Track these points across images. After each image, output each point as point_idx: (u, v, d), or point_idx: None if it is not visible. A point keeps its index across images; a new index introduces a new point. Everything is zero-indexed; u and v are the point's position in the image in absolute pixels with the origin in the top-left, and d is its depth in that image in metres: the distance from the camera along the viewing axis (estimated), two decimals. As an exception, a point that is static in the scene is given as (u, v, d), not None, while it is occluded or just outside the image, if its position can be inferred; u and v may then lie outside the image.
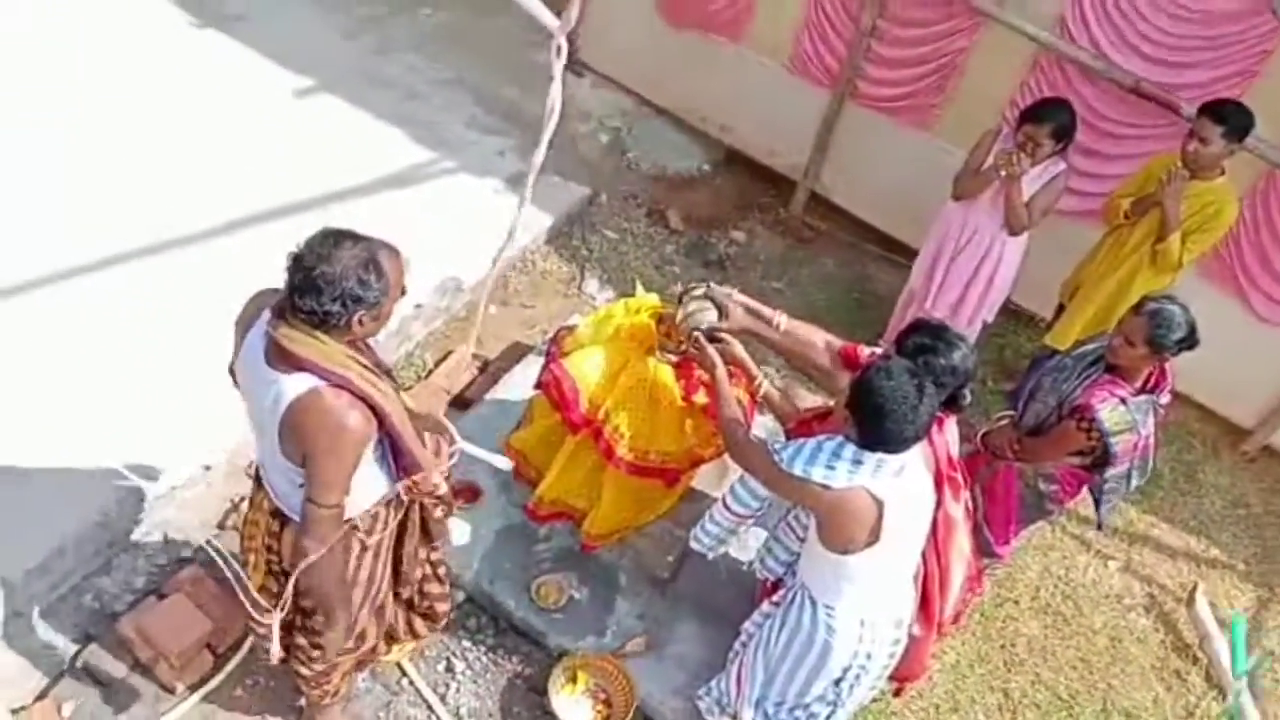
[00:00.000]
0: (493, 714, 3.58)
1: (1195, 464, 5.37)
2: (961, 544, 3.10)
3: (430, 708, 3.54)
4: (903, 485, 2.74)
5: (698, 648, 3.79)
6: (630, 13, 6.09)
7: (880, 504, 2.68)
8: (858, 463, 2.69)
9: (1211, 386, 5.33)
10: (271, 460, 2.53)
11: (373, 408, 2.39)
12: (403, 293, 2.44)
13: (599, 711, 3.57)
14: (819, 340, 3.34)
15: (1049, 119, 4.26)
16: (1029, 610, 4.48)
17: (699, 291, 3.42)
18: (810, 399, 4.30)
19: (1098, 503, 3.79)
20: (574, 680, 3.60)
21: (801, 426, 3.25)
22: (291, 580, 2.64)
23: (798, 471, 2.72)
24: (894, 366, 2.66)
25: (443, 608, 3.30)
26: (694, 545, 3.47)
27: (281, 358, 2.32)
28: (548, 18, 1.28)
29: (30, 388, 3.83)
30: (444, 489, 2.80)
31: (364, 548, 2.72)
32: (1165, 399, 3.54)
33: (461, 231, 5.10)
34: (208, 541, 3.12)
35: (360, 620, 2.90)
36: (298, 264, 2.27)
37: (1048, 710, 4.16)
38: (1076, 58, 4.79)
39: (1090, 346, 3.65)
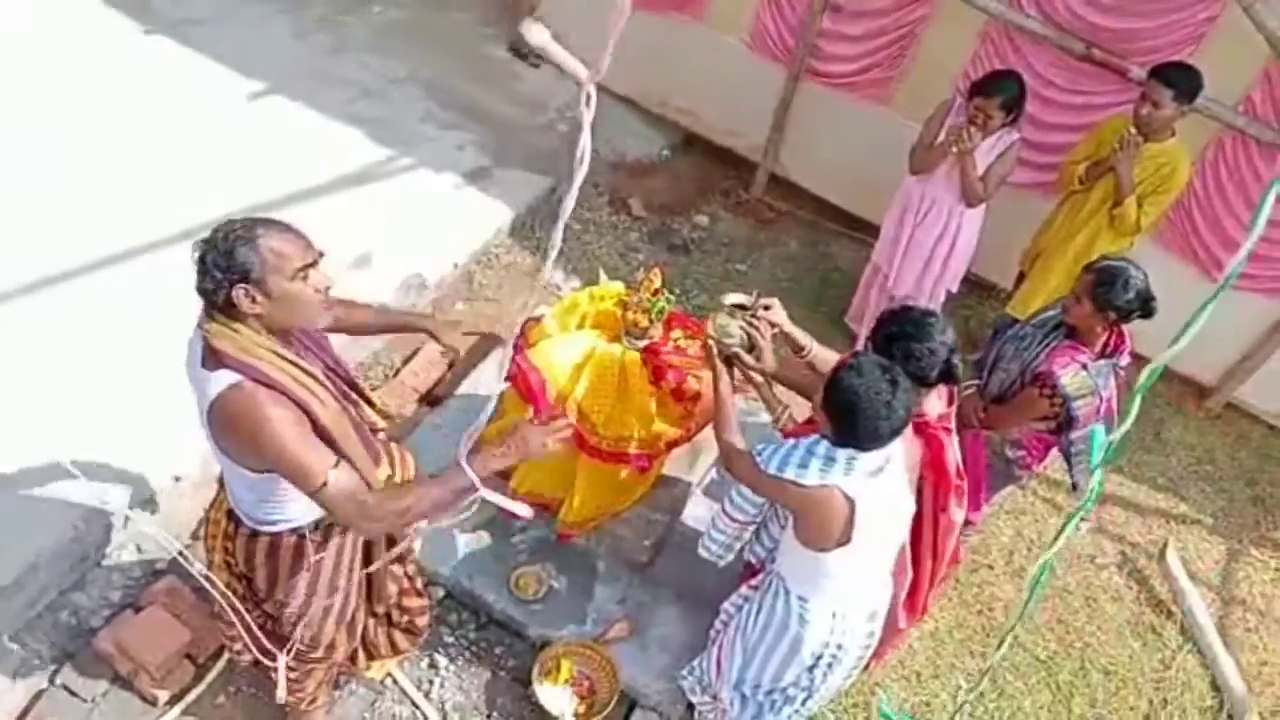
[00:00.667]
0: (478, 707, 3.59)
1: (1160, 423, 5.46)
2: (954, 545, 3.20)
3: (415, 705, 3.54)
4: (878, 485, 2.74)
5: (679, 630, 3.81)
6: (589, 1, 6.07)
7: (852, 503, 2.69)
8: (830, 460, 2.70)
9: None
10: (219, 459, 2.49)
11: (299, 404, 2.32)
12: (305, 269, 2.29)
13: (584, 699, 3.59)
14: None
15: (998, 91, 4.31)
16: (1003, 574, 4.54)
17: (733, 301, 3.28)
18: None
19: (1070, 465, 3.85)
20: (557, 669, 3.62)
21: (805, 426, 3.24)
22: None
23: (772, 470, 2.75)
24: (865, 363, 2.66)
25: (422, 621, 3.28)
26: (703, 554, 3.43)
27: (210, 355, 2.29)
28: (577, 67, 1.28)
29: (-5, 405, 3.80)
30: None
31: (318, 561, 2.69)
32: (1125, 361, 3.60)
33: (423, 228, 5.09)
34: (180, 553, 3.09)
35: (326, 631, 2.86)
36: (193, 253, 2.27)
37: (1026, 671, 4.22)
38: (1026, 26, 4.83)
39: (1050, 314, 3.70)
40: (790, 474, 2.72)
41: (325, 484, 2.32)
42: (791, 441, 2.80)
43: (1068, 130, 4.92)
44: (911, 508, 2.96)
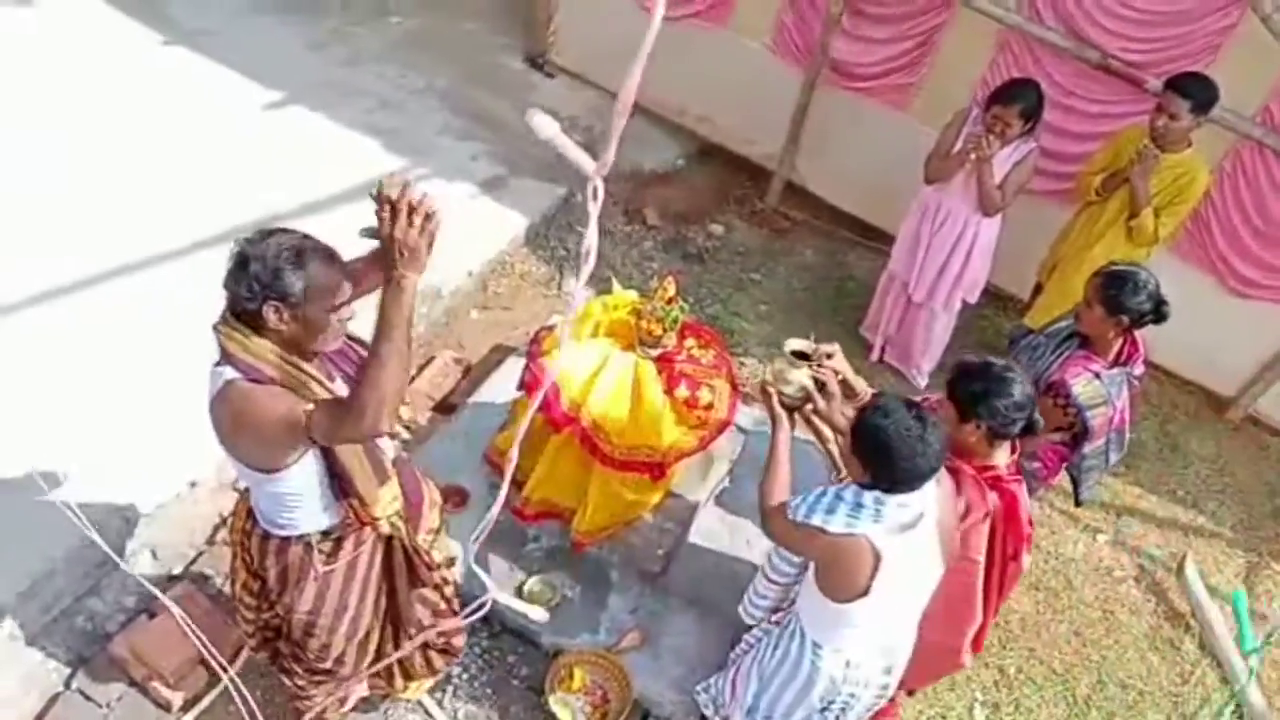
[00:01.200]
0: (491, 716, 3.58)
1: (1179, 435, 5.41)
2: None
3: (428, 712, 3.53)
4: (908, 541, 2.66)
5: (692, 640, 3.80)
6: (605, 8, 6.09)
7: (878, 557, 2.62)
8: (858, 506, 2.64)
9: (1192, 359, 5.40)
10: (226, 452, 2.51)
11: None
12: (339, 307, 2.32)
13: (597, 708, 3.57)
14: None
15: (1017, 99, 4.29)
16: (1021, 587, 4.49)
17: (793, 348, 3.16)
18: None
19: (1076, 481, 3.83)
20: (570, 678, 3.61)
21: None
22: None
23: (800, 517, 2.70)
24: (890, 403, 2.61)
25: (459, 641, 3.27)
26: (745, 619, 3.39)
27: (222, 355, 2.33)
28: (584, 160, 1.29)
29: (12, 409, 3.82)
30: (385, 526, 2.70)
31: (327, 574, 2.71)
32: (1138, 370, 3.57)
33: (438, 237, 5.09)
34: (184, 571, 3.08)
35: (335, 645, 2.86)
36: (232, 249, 2.28)
37: (1043, 685, 4.19)
38: (1044, 37, 4.82)
39: (1063, 324, 3.67)
40: (817, 520, 2.66)
41: (309, 415, 2.29)
42: (821, 488, 2.76)
43: (1086, 139, 4.89)
44: (939, 570, 2.84)
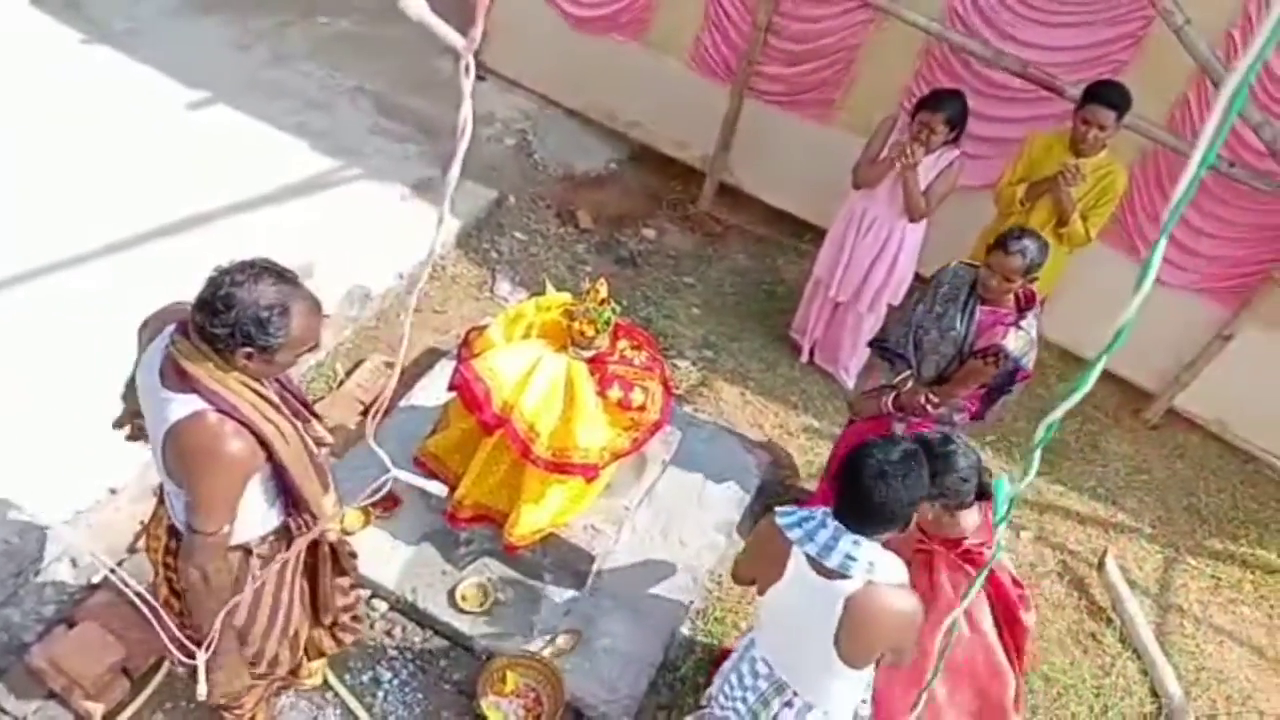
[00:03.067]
0: (422, 720, 3.55)
1: (1098, 434, 5.56)
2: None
3: (358, 718, 3.49)
4: (813, 584, 2.61)
5: (624, 641, 3.80)
6: (533, 16, 6.09)
7: (787, 545, 2.65)
8: (814, 522, 2.62)
9: (1117, 353, 5.51)
10: (162, 475, 2.47)
11: (261, 439, 2.33)
12: (313, 347, 2.38)
13: (530, 710, 3.56)
14: None
15: (944, 106, 4.38)
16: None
17: None
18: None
19: (990, 404, 3.94)
20: (503, 681, 3.59)
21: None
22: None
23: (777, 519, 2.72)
24: (891, 438, 2.68)
25: (360, 610, 3.28)
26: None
27: (175, 375, 2.27)
28: (453, 36, 1.27)
29: (-78, 418, 3.70)
30: (333, 536, 2.75)
31: (263, 576, 2.67)
32: (1038, 310, 3.77)
33: (368, 239, 5.05)
34: (112, 570, 3.02)
35: (269, 648, 2.83)
36: (213, 279, 2.23)
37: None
38: (965, 46, 4.92)
39: (943, 288, 3.77)
40: (781, 521, 2.70)
41: (216, 532, 2.38)
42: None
43: (1019, 123, 5.01)
44: (824, 633, 2.62)
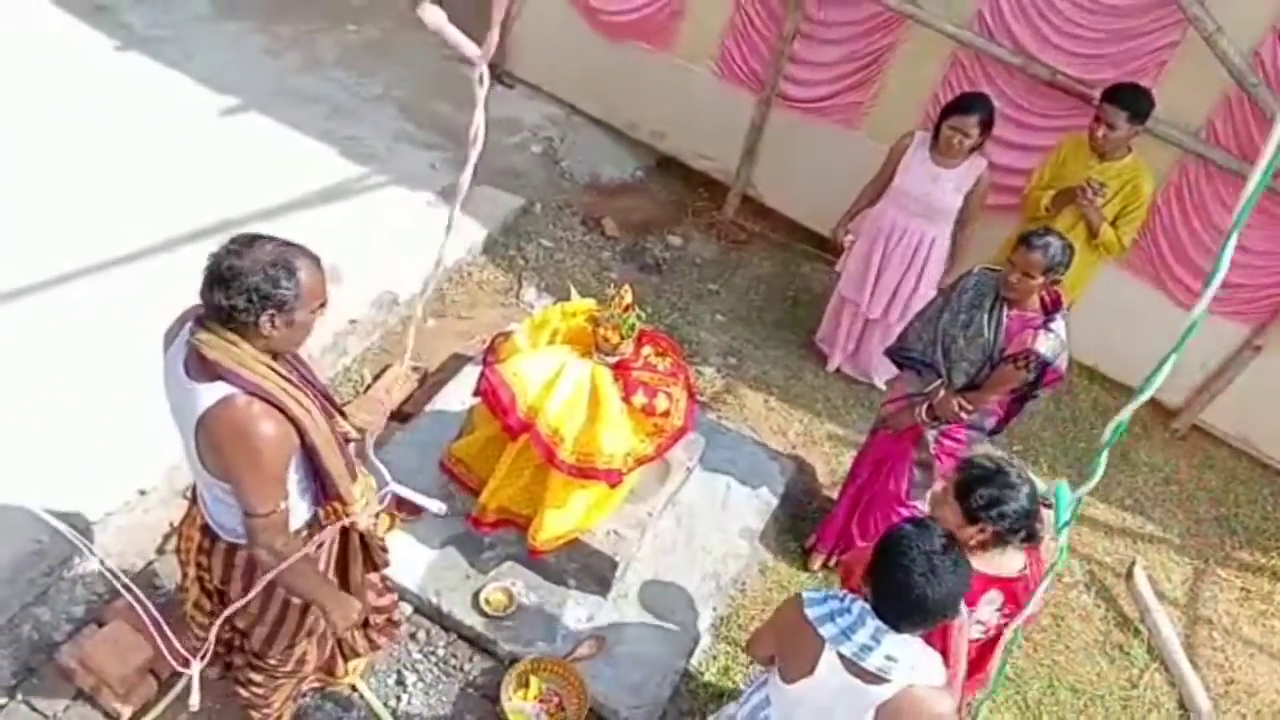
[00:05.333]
0: (446, 724, 3.56)
1: (1127, 444, 5.50)
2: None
3: (365, 699, 3.50)
4: (850, 683, 2.41)
5: (647, 647, 3.80)
6: (560, 24, 6.13)
7: (820, 643, 2.44)
8: (859, 620, 2.42)
9: (1139, 370, 5.43)
10: (198, 474, 2.49)
11: (292, 420, 2.34)
12: (322, 305, 2.39)
13: (553, 715, 3.56)
14: None
15: (975, 109, 4.38)
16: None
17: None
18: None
19: (1019, 409, 3.94)
20: (526, 685, 3.60)
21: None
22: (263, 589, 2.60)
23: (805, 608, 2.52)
24: (925, 522, 2.49)
25: (397, 615, 3.29)
26: None
27: (200, 366, 2.28)
28: (469, 47, 1.30)
29: (-44, 419, 3.75)
30: (362, 523, 2.74)
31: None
32: (1066, 310, 3.74)
33: (395, 245, 5.08)
34: (124, 585, 3.04)
35: (298, 645, 2.86)
36: (212, 259, 2.26)
37: (994, 689, 4.23)
38: (995, 54, 4.91)
39: (968, 295, 3.74)
40: (811, 612, 2.49)
41: (272, 511, 2.37)
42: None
43: (1033, 151, 4.99)
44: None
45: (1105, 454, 1.41)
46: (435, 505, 2.54)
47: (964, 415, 3.77)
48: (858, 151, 5.37)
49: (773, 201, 6.09)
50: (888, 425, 4.06)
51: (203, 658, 2.63)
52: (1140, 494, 5.29)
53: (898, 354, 4.05)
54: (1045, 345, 3.57)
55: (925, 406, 3.85)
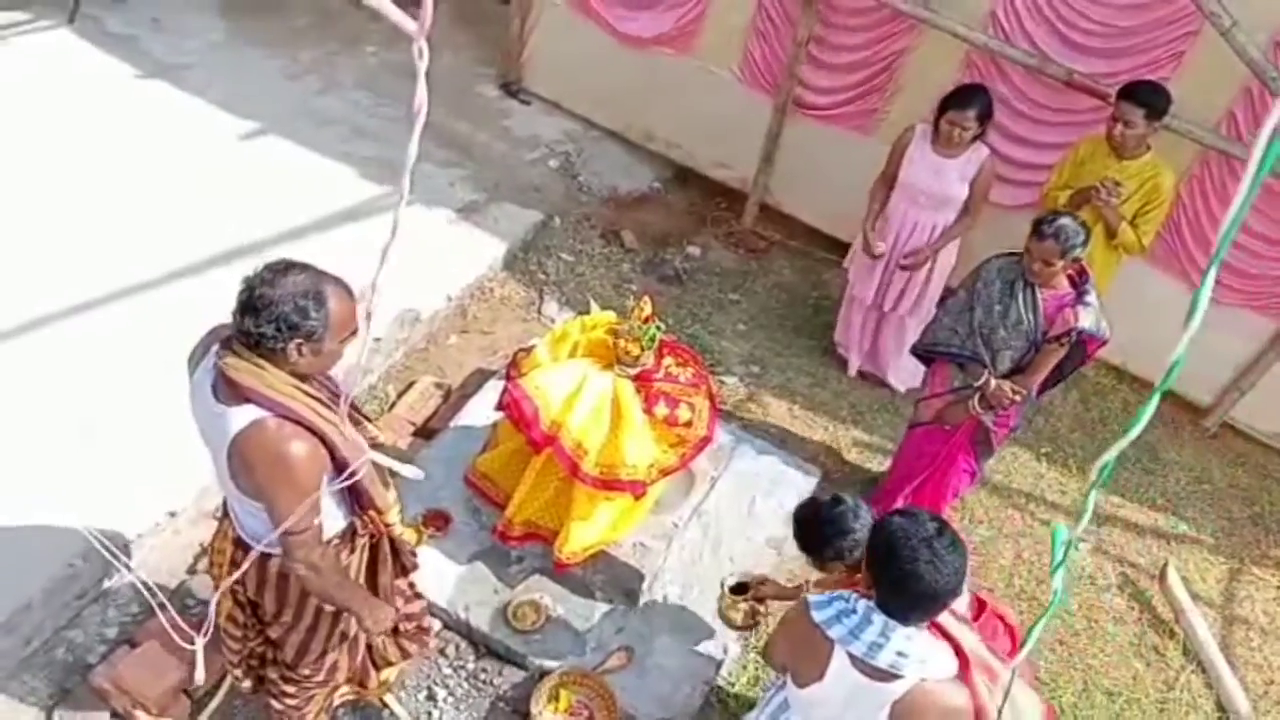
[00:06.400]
0: (476, 739, 3.57)
1: (1157, 443, 5.46)
2: None
3: (395, 714, 3.51)
4: (858, 683, 2.41)
5: (677, 658, 3.80)
6: (575, 40, 6.16)
7: (830, 645, 2.43)
8: (866, 620, 2.39)
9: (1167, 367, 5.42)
10: (229, 492, 2.52)
11: (322, 439, 2.37)
12: (352, 334, 2.42)
13: (583, 728, 3.57)
14: None
15: (973, 103, 4.39)
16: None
17: (732, 584, 3.59)
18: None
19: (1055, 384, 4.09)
20: (556, 699, 3.60)
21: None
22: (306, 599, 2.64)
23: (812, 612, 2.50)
24: (911, 509, 2.46)
25: (427, 622, 3.31)
26: None
27: (228, 389, 2.31)
28: (406, 21, 1.31)
29: (-11, 445, 3.81)
30: (398, 529, 2.79)
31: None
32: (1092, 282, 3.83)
33: (416, 263, 5.10)
34: (152, 591, 3.07)
35: (330, 653, 2.88)
36: (245, 286, 2.29)
37: (1029, 694, 4.19)
38: (1009, 55, 4.89)
39: (995, 286, 3.84)
40: (817, 615, 2.46)
41: (307, 529, 2.40)
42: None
43: (1051, 149, 4.97)
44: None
45: (1094, 493, 1.40)
46: (411, 470, 2.55)
47: (1017, 399, 3.86)
48: (873, 157, 5.33)
49: (791, 208, 6.09)
50: (940, 421, 4.14)
51: (205, 633, 2.65)
52: (1172, 494, 5.23)
53: (929, 350, 4.13)
54: (1086, 319, 3.70)
55: (978, 397, 3.94)
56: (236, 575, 2.60)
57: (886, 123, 5.43)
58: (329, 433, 2.38)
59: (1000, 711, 1.93)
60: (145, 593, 2.93)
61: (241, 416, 2.30)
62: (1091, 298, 3.72)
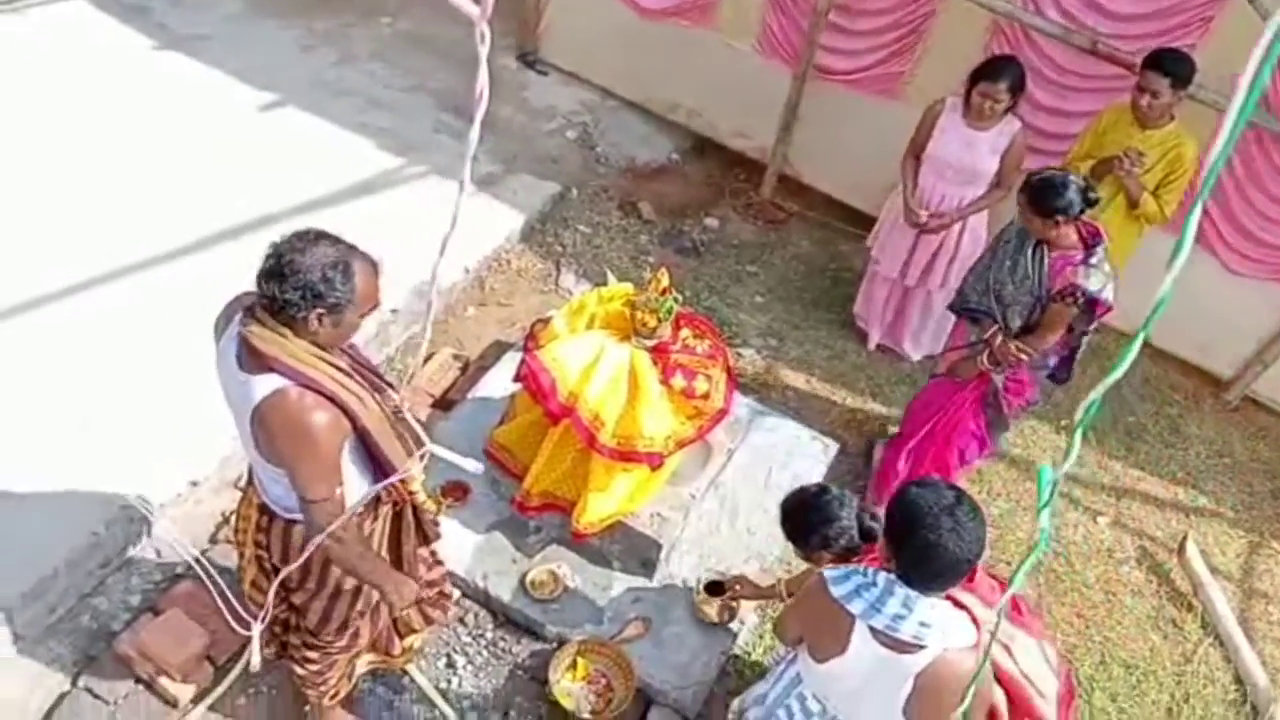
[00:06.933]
0: (496, 706, 3.59)
1: (1178, 417, 5.43)
2: None
3: (433, 704, 3.55)
4: (883, 657, 2.40)
5: (694, 628, 3.81)
6: (593, 9, 6.12)
7: (851, 620, 2.42)
8: (886, 592, 2.38)
9: (1190, 340, 5.40)
10: (253, 457, 2.54)
11: (343, 408, 2.39)
12: (374, 306, 2.43)
13: (601, 696, 3.59)
14: None
15: (1004, 74, 4.33)
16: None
17: (707, 582, 3.82)
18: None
19: (1073, 360, 4.04)
20: (574, 667, 3.63)
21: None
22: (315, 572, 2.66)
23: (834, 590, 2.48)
24: (928, 479, 2.44)
25: (449, 588, 3.34)
26: None
27: (252, 357, 2.33)
28: (467, 6, 1.30)
29: (13, 412, 3.84)
30: (421, 496, 2.80)
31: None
32: (1105, 241, 3.78)
33: (434, 235, 5.09)
34: (197, 559, 3.13)
35: (352, 620, 2.91)
36: (272, 250, 2.30)
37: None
38: (1033, 24, 4.83)
39: (1011, 243, 3.84)
40: (836, 591, 2.45)
41: (328, 496, 2.42)
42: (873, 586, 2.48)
43: (1077, 117, 4.92)
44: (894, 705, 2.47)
45: (1079, 434, 1.39)
46: (471, 464, 2.57)
47: (1023, 358, 3.84)
48: (898, 122, 5.28)
49: (811, 178, 6.05)
50: (953, 374, 4.15)
51: (262, 620, 2.68)
52: (1192, 468, 5.21)
53: (959, 307, 4.15)
54: (1088, 279, 3.64)
55: (987, 353, 3.93)
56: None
57: (912, 87, 5.38)
58: (350, 403, 2.40)
59: (987, 652, 1.90)
60: (180, 551, 2.97)
61: (264, 385, 2.31)
62: (1098, 260, 3.68)
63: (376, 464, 2.62)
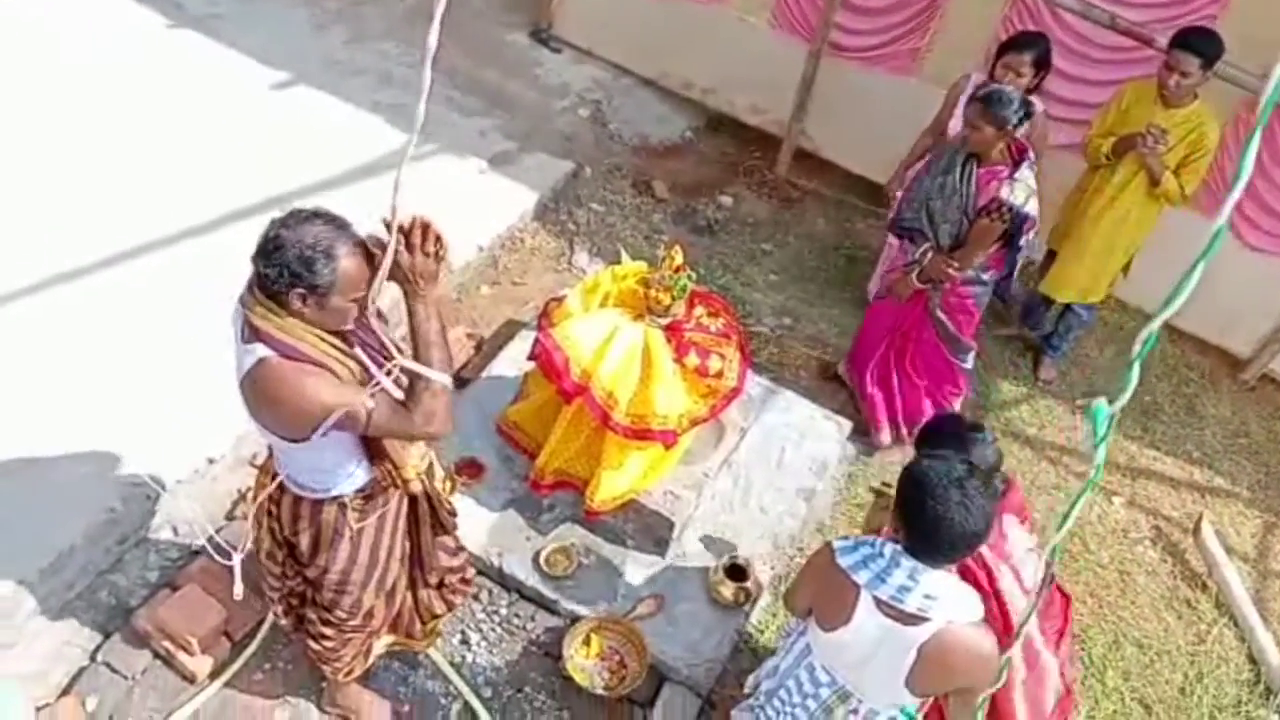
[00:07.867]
0: (510, 681, 3.62)
1: (1194, 396, 5.40)
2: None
3: (448, 679, 3.57)
4: (889, 628, 2.42)
5: (706, 606, 3.82)
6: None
7: (856, 590, 2.43)
8: (893, 563, 2.40)
9: (1207, 318, 5.35)
10: (257, 427, 2.55)
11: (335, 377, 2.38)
12: (362, 298, 2.37)
13: (614, 673, 3.61)
14: None
15: (1030, 47, 4.28)
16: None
17: (727, 564, 3.88)
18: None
19: (1009, 279, 4.16)
20: (588, 644, 3.65)
21: None
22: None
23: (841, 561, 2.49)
24: (940, 455, 2.46)
25: (471, 573, 3.35)
26: None
27: (248, 328, 2.35)
28: None
29: (31, 389, 3.86)
30: (416, 485, 2.78)
31: (360, 530, 2.76)
32: (1034, 158, 3.92)
33: (446, 213, 5.03)
34: (209, 539, 3.15)
35: (365, 599, 2.92)
36: (268, 227, 2.31)
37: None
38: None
39: (942, 161, 3.98)
40: (844, 561, 2.46)
41: (370, 413, 2.37)
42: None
43: (1101, 86, 4.90)
44: (897, 676, 2.48)
45: (1137, 365, 1.39)
46: (438, 376, 2.49)
47: (953, 273, 4.01)
48: (915, 98, 5.25)
49: (828, 154, 6.02)
50: (893, 293, 4.31)
51: (271, 589, 2.68)
52: (1208, 447, 5.19)
53: (896, 225, 4.28)
54: (1012, 193, 3.77)
55: (918, 271, 4.11)
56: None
57: (929, 62, 5.34)
58: (340, 373, 2.39)
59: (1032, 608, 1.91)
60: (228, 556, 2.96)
61: (251, 355, 2.33)
62: (1023, 175, 3.78)
63: (368, 448, 2.63)
